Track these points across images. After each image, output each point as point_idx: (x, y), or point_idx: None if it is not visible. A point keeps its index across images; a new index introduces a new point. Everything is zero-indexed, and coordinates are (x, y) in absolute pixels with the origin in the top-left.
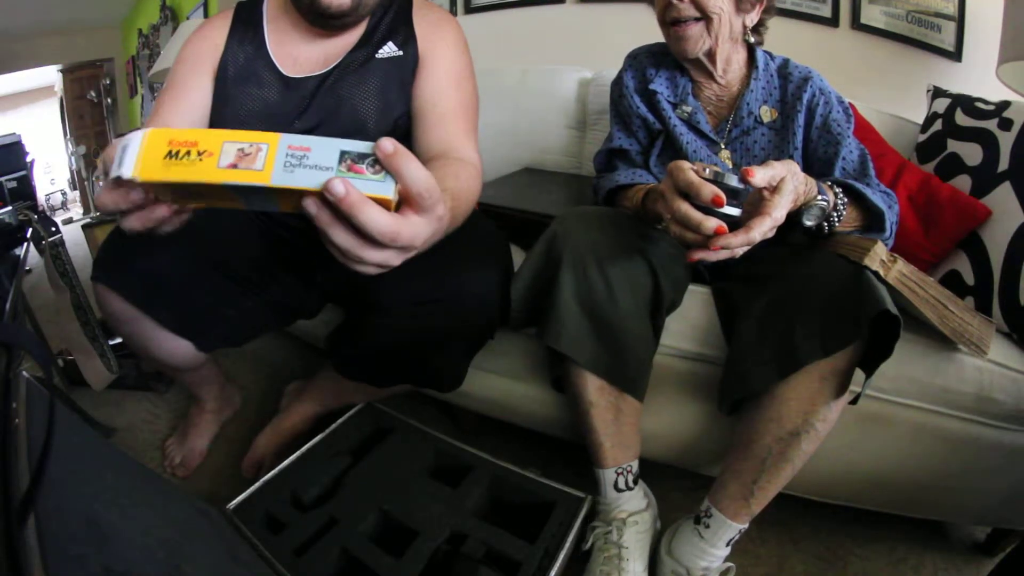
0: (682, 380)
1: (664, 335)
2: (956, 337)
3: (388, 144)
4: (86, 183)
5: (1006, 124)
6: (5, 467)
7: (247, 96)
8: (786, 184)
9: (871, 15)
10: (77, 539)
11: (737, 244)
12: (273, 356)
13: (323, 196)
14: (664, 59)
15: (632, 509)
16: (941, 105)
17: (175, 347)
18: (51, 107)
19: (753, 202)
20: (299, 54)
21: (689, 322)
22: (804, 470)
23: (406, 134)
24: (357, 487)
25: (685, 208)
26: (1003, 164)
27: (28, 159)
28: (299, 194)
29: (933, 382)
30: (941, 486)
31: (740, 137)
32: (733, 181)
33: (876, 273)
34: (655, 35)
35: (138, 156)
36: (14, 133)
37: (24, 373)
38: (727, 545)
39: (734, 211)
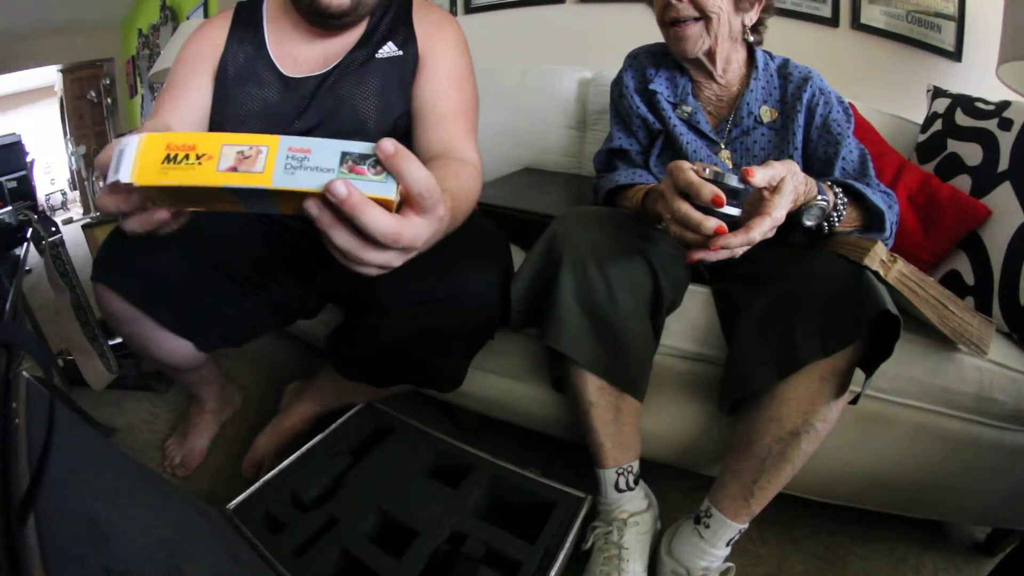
0: (682, 380)
1: (664, 335)
2: (956, 337)
3: (389, 145)
4: (86, 183)
5: (1006, 124)
6: (5, 467)
7: (247, 96)
8: (786, 184)
9: (871, 15)
10: (77, 539)
11: (737, 244)
12: (273, 356)
13: (324, 198)
14: (664, 59)
15: (633, 510)
16: (941, 105)
17: (175, 347)
18: (51, 107)
19: (753, 202)
20: (299, 54)
21: (689, 322)
22: (804, 470)
23: (406, 134)
24: (357, 487)
25: (685, 208)
26: (1003, 164)
27: (28, 159)
28: (300, 196)
29: (933, 382)
30: (941, 486)
31: (740, 137)
32: (733, 181)
33: (876, 273)
34: (655, 35)
35: (135, 160)
36: (14, 133)
37: (24, 373)
38: (727, 545)
39: (734, 211)
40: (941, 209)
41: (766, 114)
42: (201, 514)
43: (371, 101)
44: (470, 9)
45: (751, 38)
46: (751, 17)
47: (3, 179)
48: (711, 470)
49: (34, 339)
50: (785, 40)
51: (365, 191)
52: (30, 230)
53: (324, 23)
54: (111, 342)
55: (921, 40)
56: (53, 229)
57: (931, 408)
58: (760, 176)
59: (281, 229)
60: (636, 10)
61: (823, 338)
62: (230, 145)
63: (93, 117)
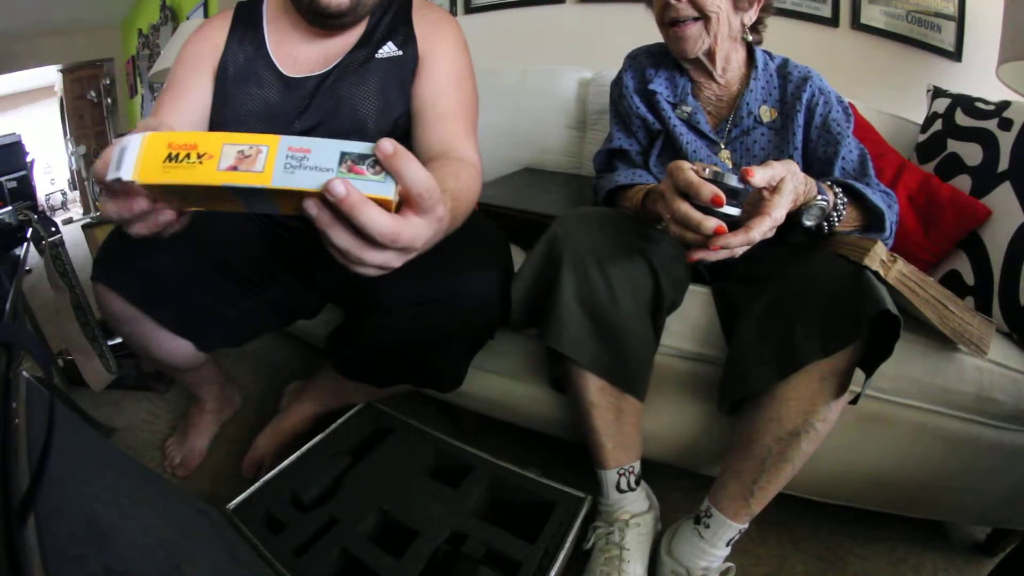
0: (682, 380)
1: (664, 335)
2: (956, 337)
3: (388, 145)
4: (86, 183)
5: (1006, 124)
6: (5, 467)
7: (247, 96)
8: (786, 184)
9: (871, 15)
10: (77, 539)
11: (737, 244)
12: (273, 356)
13: (323, 197)
14: (664, 59)
15: (635, 511)
16: (941, 105)
17: (175, 347)
18: (51, 107)
19: (753, 202)
20: (299, 54)
21: (689, 322)
22: (804, 470)
23: (406, 134)
24: (357, 487)
25: (685, 208)
26: (1003, 164)
27: (28, 159)
28: (300, 196)
29: (933, 382)
30: (941, 486)
31: (740, 137)
32: (733, 181)
33: (876, 273)
34: (655, 35)
35: (137, 159)
36: (14, 133)
37: (24, 373)
38: (727, 545)
39: (734, 211)
40: (941, 209)
41: (766, 114)
42: (201, 514)
43: (371, 101)
44: (470, 9)
45: (750, 37)
46: (750, 16)
47: (3, 179)
48: (711, 470)
49: (34, 339)
50: (785, 40)
51: (364, 191)
52: (30, 230)
53: (324, 23)
54: (111, 342)
55: (921, 40)
56: (53, 229)
57: (931, 408)
58: (760, 176)
59: (281, 229)
60: (636, 10)
61: (823, 338)
62: (231, 145)
63: (93, 117)
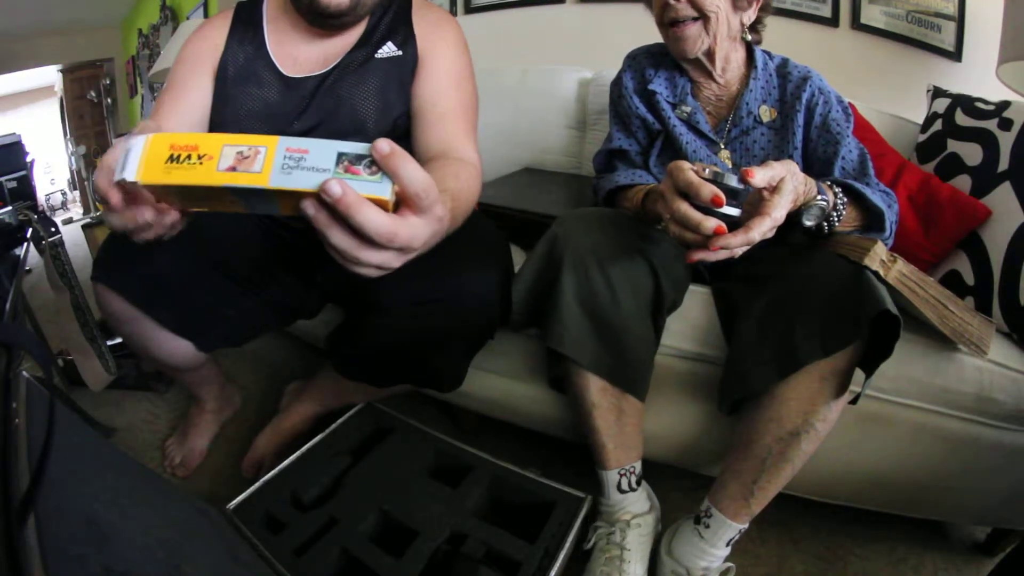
0: (682, 380)
1: (664, 335)
2: (956, 337)
3: (384, 145)
4: (86, 183)
5: (1006, 124)
6: (5, 467)
7: (247, 96)
8: (785, 184)
9: (871, 15)
10: (77, 539)
11: (736, 244)
12: (273, 356)
13: (321, 197)
14: (663, 59)
15: (636, 511)
16: (941, 105)
17: (175, 347)
18: (51, 107)
19: (753, 202)
20: (299, 54)
21: (689, 322)
22: (804, 470)
23: (406, 134)
24: (357, 487)
25: (684, 208)
26: (1003, 164)
27: (28, 159)
28: (297, 196)
29: (933, 382)
30: (941, 486)
31: (739, 137)
32: (733, 181)
33: (876, 273)
34: (655, 35)
35: (140, 160)
36: (14, 133)
37: (24, 373)
38: (727, 545)
39: (733, 211)
40: (941, 209)
41: (765, 114)
42: (201, 514)
43: (371, 101)
44: (470, 9)
45: (749, 37)
46: (749, 16)
47: (3, 179)
48: (711, 470)
49: (34, 339)
50: (785, 40)
51: (360, 191)
52: (30, 230)
53: (323, 23)
54: (111, 342)
55: (921, 40)
56: (53, 229)
57: (931, 408)
58: (760, 176)
59: (281, 229)
60: (636, 10)
61: (823, 338)
62: (230, 146)
63: (93, 117)
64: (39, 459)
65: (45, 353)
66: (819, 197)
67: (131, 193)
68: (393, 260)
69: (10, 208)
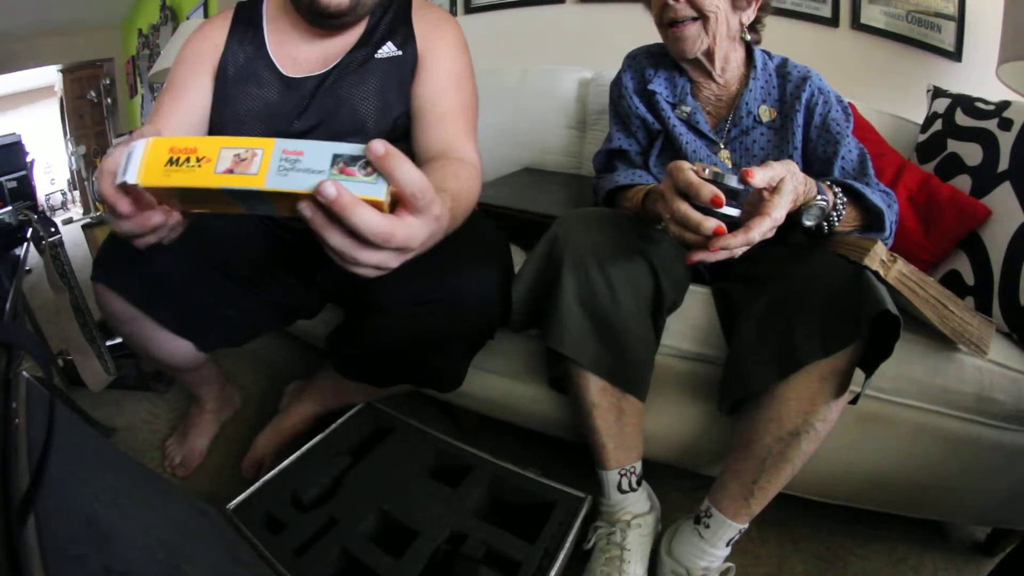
0: (682, 380)
1: (664, 335)
2: (956, 337)
3: (379, 146)
4: (86, 183)
5: (1006, 124)
6: (5, 467)
7: (247, 96)
8: (785, 184)
9: (871, 15)
10: (77, 539)
11: (736, 245)
12: (273, 356)
13: (317, 199)
14: (663, 59)
15: (636, 511)
16: (941, 105)
17: (175, 347)
18: (51, 107)
19: (752, 202)
20: (299, 54)
21: (689, 322)
22: (804, 470)
23: (406, 134)
24: (357, 487)
25: (684, 208)
26: (1003, 164)
27: (28, 159)
28: (294, 197)
29: (933, 382)
30: (941, 486)
31: (739, 137)
32: (732, 182)
33: (876, 273)
34: (655, 35)
35: (141, 163)
36: (14, 133)
37: (24, 373)
38: (727, 545)
39: (733, 211)
40: (941, 209)
41: (765, 113)
42: (201, 514)
43: (370, 101)
44: (470, 9)
45: (748, 37)
46: (748, 16)
47: (3, 179)
48: (711, 470)
49: (34, 339)
50: (785, 40)
51: (355, 192)
52: (30, 230)
53: (323, 23)
54: (111, 342)
55: (921, 40)
56: (52, 229)
57: (931, 408)
58: (759, 177)
59: (281, 229)
60: (636, 10)
61: (823, 338)
62: (228, 148)
63: (93, 117)
64: (39, 459)
65: (45, 353)
66: (819, 197)
67: (135, 196)
68: (391, 260)
69: (10, 208)
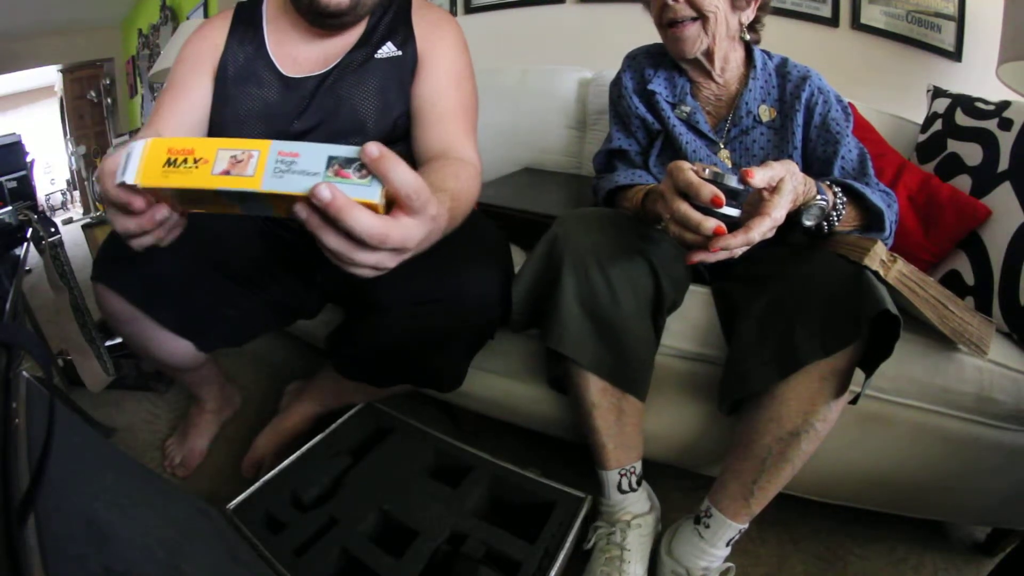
0: (682, 380)
1: (664, 335)
2: (956, 337)
3: (374, 149)
4: (86, 183)
5: (1006, 124)
6: (5, 467)
7: (247, 96)
8: (785, 184)
9: (871, 15)
10: (77, 539)
11: (736, 245)
12: (273, 356)
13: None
14: (662, 59)
15: (636, 512)
16: (941, 105)
17: (175, 347)
18: (51, 107)
19: (752, 202)
20: (298, 54)
21: (689, 322)
22: (804, 470)
23: (406, 134)
24: (357, 487)
25: (684, 208)
26: (1003, 164)
27: (28, 159)
28: (290, 199)
29: (933, 382)
30: (941, 486)
31: (739, 136)
32: (732, 182)
33: (876, 273)
34: (655, 35)
35: (140, 164)
36: (14, 133)
37: (24, 373)
38: (727, 545)
39: (733, 212)
40: (941, 209)
41: (765, 113)
42: (201, 514)
43: (370, 101)
44: (470, 9)
45: (748, 36)
46: (748, 15)
47: (3, 179)
48: (711, 470)
49: (34, 339)
50: (785, 40)
51: (350, 194)
52: (30, 230)
53: (323, 23)
54: (110, 343)
55: (921, 40)
56: (52, 229)
57: (931, 408)
58: (759, 177)
59: (281, 229)
60: (636, 10)
61: (823, 338)
62: (225, 150)
63: (93, 117)
64: (39, 459)
65: (45, 353)
66: (819, 197)
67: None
68: (388, 260)
69: (10, 208)
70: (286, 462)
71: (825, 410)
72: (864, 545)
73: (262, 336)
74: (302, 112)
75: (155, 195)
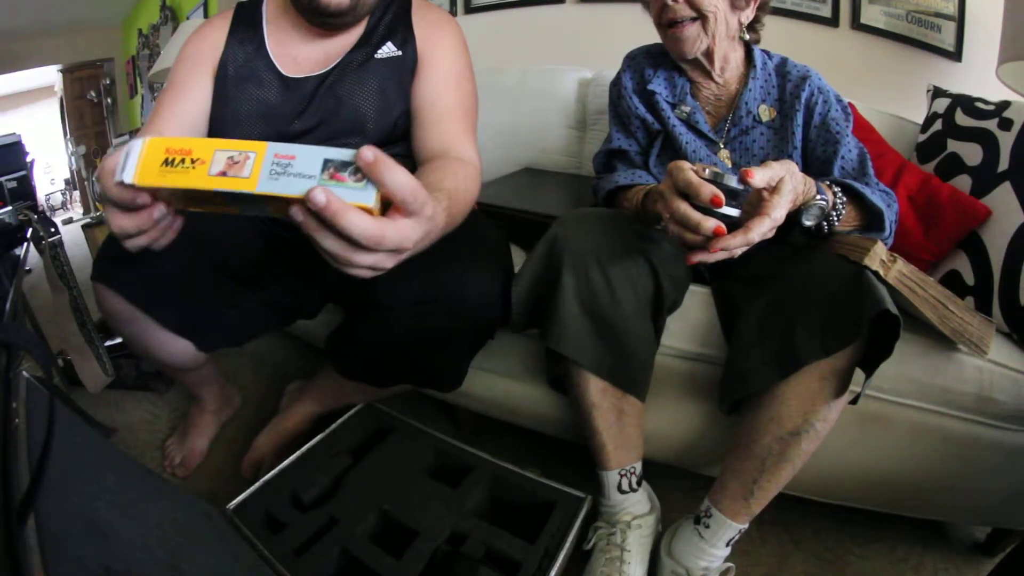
0: (682, 380)
1: (664, 335)
2: (956, 337)
3: (368, 153)
4: (86, 183)
5: (1006, 124)
6: (5, 467)
7: (247, 96)
8: (785, 184)
9: (871, 15)
10: (77, 539)
11: (736, 245)
12: (273, 356)
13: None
14: (662, 59)
15: (637, 512)
16: (941, 105)
17: (175, 347)
18: (51, 107)
19: (752, 202)
20: (299, 54)
21: (689, 322)
22: (804, 470)
23: (405, 134)
24: (357, 487)
25: (684, 208)
26: (1003, 164)
27: (28, 159)
28: (286, 201)
29: (933, 382)
30: (941, 486)
31: (739, 136)
32: (732, 182)
33: (876, 273)
34: (655, 35)
35: (138, 163)
36: (14, 133)
37: (24, 373)
38: (727, 545)
39: (733, 212)
40: (941, 209)
41: (765, 113)
42: (201, 514)
43: (370, 101)
44: (470, 9)
45: (747, 36)
46: (747, 15)
47: (3, 179)
48: (711, 470)
49: (34, 339)
50: (785, 40)
51: (345, 198)
52: (30, 230)
53: (323, 23)
54: (110, 343)
55: (921, 40)
56: (52, 230)
57: (931, 408)
58: (759, 177)
59: (281, 229)
60: (636, 10)
61: (823, 338)
62: (222, 150)
63: (93, 117)
64: (39, 459)
65: (45, 353)
66: (818, 197)
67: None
68: (385, 261)
69: (10, 208)
70: (286, 462)
71: (825, 410)
72: (864, 545)
73: (262, 336)
74: (302, 112)
75: (153, 194)
